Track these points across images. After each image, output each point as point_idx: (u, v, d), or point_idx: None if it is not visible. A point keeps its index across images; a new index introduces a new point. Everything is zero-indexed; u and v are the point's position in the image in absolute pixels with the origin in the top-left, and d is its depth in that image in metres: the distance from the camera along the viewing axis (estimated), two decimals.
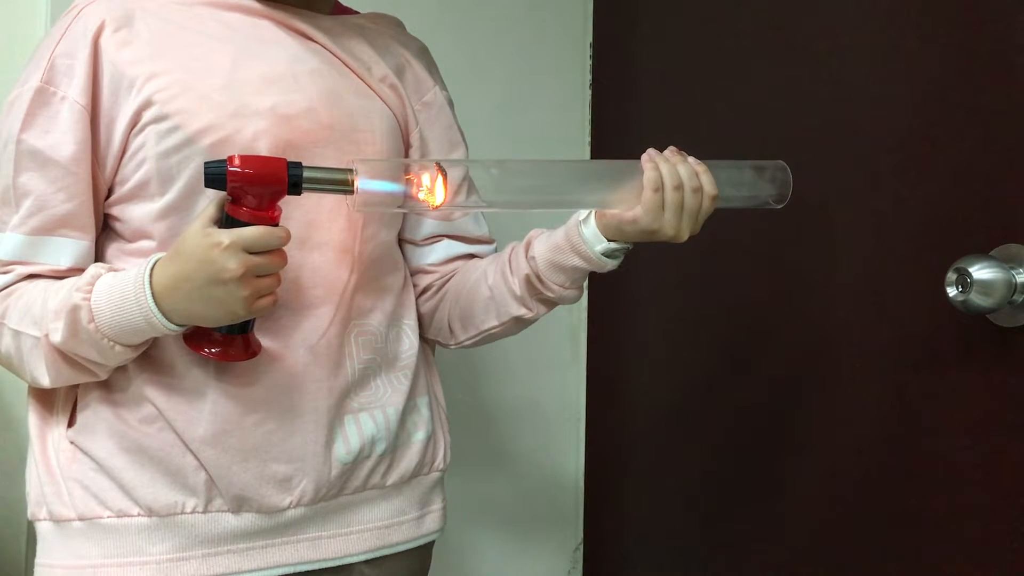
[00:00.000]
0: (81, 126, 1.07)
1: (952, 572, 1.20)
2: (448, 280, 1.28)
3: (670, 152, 1.12)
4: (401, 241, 1.30)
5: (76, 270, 1.09)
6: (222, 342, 1.06)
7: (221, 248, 0.98)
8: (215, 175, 1.00)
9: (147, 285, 1.02)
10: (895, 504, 1.27)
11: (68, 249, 1.10)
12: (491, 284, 1.22)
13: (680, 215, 1.10)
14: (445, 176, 1.04)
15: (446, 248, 1.29)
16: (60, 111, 1.07)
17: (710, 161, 1.13)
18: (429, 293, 1.29)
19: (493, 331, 1.25)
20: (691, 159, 1.12)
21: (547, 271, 1.17)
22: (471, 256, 1.30)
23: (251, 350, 1.08)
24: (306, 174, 1.01)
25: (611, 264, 1.16)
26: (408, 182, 1.04)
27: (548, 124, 1.90)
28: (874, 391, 1.30)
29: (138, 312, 1.02)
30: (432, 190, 1.04)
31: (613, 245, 1.13)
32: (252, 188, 1.00)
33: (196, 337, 1.07)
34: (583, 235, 1.14)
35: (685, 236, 1.11)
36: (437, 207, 1.05)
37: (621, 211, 1.11)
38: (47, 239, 1.09)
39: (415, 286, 1.29)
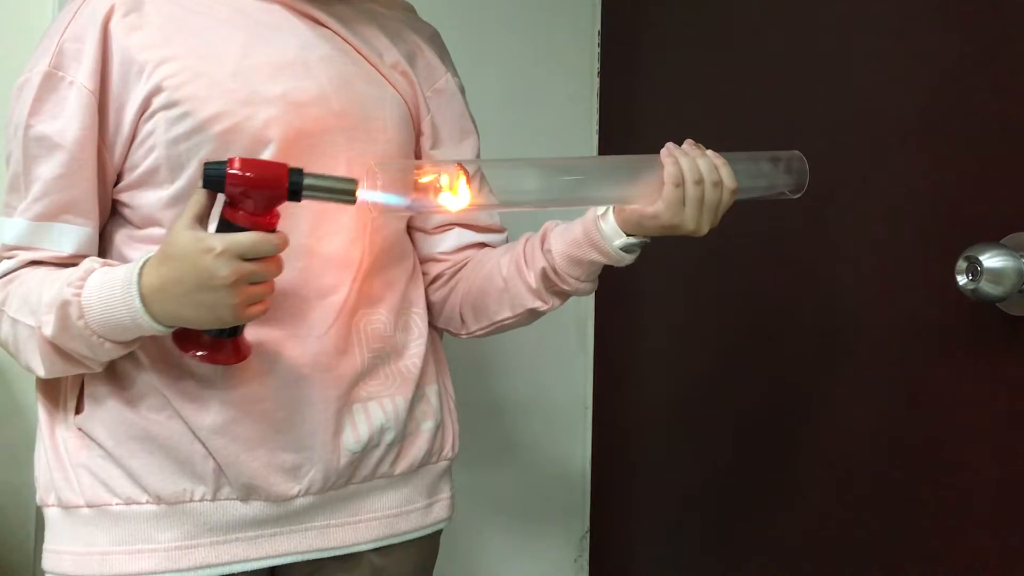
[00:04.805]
0: (88, 111, 1.07)
1: (961, 564, 1.20)
2: (460, 269, 1.28)
3: (688, 146, 1.11)
4: (411, 229, 1.29)
5: (79, 256, 1.09)
6: (211, 345, 1.04)
7: (214, 254, 0.97)
8: (214, 176, 0.98)
9: (136, 285, 1.00)
10: (903, 494, 1.27)
11: (70, 235, 1.09)
12: (505, 276, 1.22)
13: (701, 209, 1.09)
14: (468, 177, 1.03)
15: (457, 236, 1.29)
16: (68, 96, 1.07)
17: (728, 153, 1.12)
18: (440, 282, 1.29)
19: (506, 322, 1.25)
20: (709, 152, 1.11)
21: (564, 265, 1.17)
22: (482, 245, 1.30)
23: (241, 353, 1.06)
24: (307, 181, 0.98)
25: (629, 259, 1.16)
26: (428, 186, 1.02)
27: (556, 113, 1.90)
28: (884, 379, 1.30)
29: (126, 311, 1.01)
30: (455, 191, 1.02)
31: (632, 240, 1.13)
32: (251, 192, 0.98)
33: (184, 338, 1.05)
34: (602, 230, 1.13)
35: (705, 230, 1.11)
36: (463, 210, 1.04)
37: (641, 206, 1.10)
38: (49, 225, 1.09)
39: (425, 274, 1.29)
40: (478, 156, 1.31)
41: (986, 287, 1.08)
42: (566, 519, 1.94)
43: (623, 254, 1.14)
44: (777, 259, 1.50)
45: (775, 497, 1.49)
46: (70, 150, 1.07)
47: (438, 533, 1.28)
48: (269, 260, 1.00)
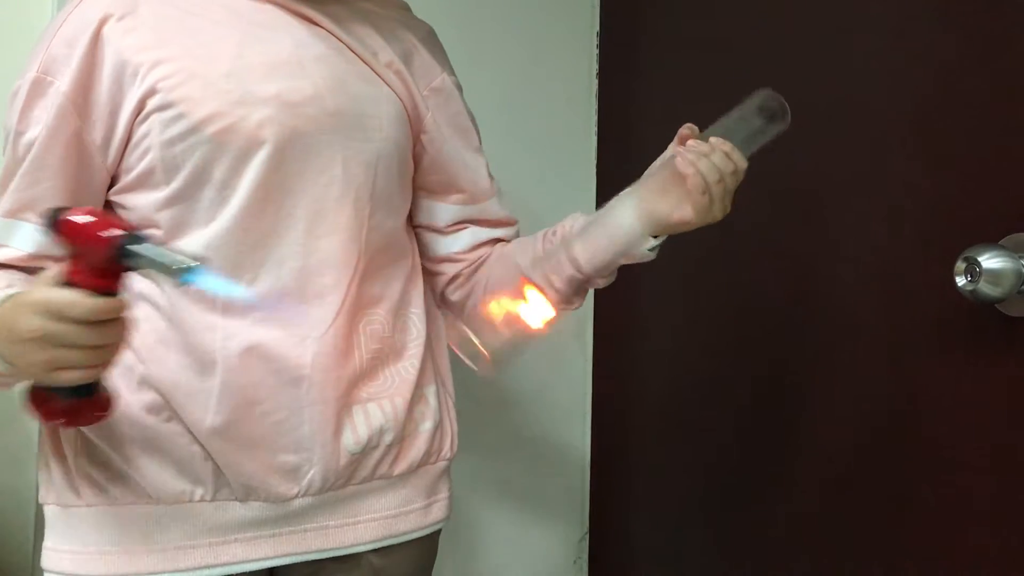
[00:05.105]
0: (58, 114, 1.07)
1: (960, 562, 1.19)
2: (477, 268, 1.28)
3: (693, 141, 1.13)
4: (423, 229, 1.30)
5: (40, 257, 1.09)
6: (65, 410, 0.95)
7: (24, 304, 0.91)
8: (48, 223, 0.90)
9: None
10: (903, 493, 1.27)
11: (28, 234, 1.09)
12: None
13: (724, 199, 1.12)
14: (538, 287, 1.04)
15: (472, 235, 1.29)
16: (48, 99, 1.08)
17: (722, 124, 1.14)
18: (458, 282, 1.29)
19: None
20: (713, 140, 1.12)
21: (591, 270, 1.19)
22: (497, 240, 1.30)
23: (101, 412, 0.97)
24: (140, 251, 0.87)
25: (652, 255, 1.18)
26: (503, 313, 1.04)
27: (554, 115, 1.89)
28: (882, 380, 1.30)
29: None
30: (528, 301, 1.03)
31: (658, 240, 1.16)
32: (77, 249, 0.89)
33: (38, 403, 0.96)
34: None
35: (729, 210, 1.13)
36: (550, 321, 1.06)
37: (677, 218, 1.12)
38: (11, 222, 1.09)
39: (442, 275, 1.29)
40: (480, 154, 1.31)
41: (985, 288, 1.08)
42: (565, 520, 1.93)
43: (648, 253, 1.17)
44: (777, 259, 1.50)
45: (775, 496, 1.49)
46: (34, 149, 1.08)
47: (437, 533, 1.28)
48: (87, 326, 0.89)
